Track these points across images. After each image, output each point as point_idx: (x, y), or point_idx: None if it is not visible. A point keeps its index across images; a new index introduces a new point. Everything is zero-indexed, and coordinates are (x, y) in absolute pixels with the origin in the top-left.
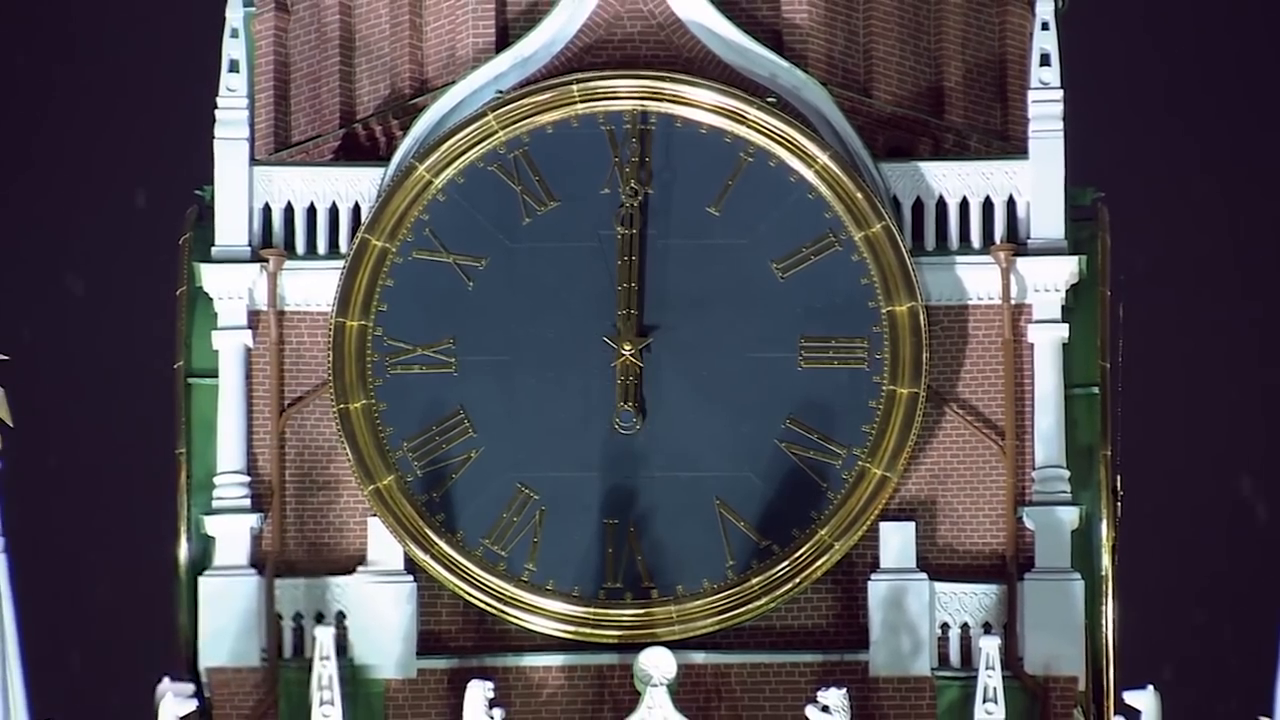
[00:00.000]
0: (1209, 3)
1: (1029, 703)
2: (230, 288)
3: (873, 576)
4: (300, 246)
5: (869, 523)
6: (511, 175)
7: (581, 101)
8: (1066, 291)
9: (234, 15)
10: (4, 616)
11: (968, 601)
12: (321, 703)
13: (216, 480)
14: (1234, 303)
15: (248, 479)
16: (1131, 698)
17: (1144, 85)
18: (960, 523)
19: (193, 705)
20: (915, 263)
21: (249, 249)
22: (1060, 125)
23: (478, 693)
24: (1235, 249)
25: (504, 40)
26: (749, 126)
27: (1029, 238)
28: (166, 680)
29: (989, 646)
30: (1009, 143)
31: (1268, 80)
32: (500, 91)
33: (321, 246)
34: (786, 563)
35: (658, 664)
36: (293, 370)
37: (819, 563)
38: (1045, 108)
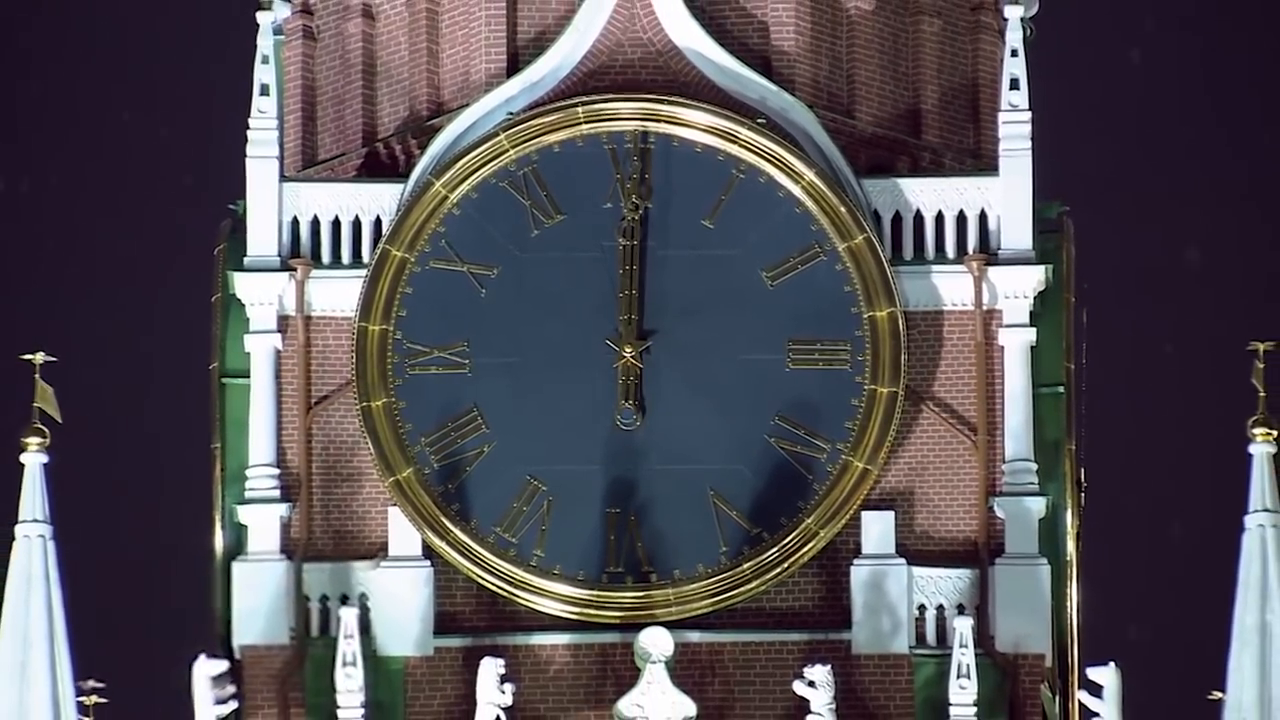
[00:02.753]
0: (1162, 31)
1: (1000, 678)
2: (261, 294)
3: (855, 561)
4: (326, 256)
5: (851, 512)
6: (521, 190)
7: (586, 122)
8: (1034, 298)
9: (265, 43)
10: (52, 598)
11: (943, 585)
12: (346, 678)
13: (248, 473)
14: (1188, 306)
15: (277, 471)
16: (1094, 673)
17: (1105, 107)
18: (936, 512)
19: (228, 687)
20: (894, 271)
21: (278, 259)
22: (1028, 144)
23: (490, 669)
24: (1190, 258)
25: (514, 66)
26: (741, 146)
27: (999, 248)
28: (203, 657)
29: (962, 626)
30: (981, 160)
31: (1216, 98)
32: (511, 113)
33: (345, 257)
34: (775, 549)
35: (656, 642)
36: (319, 371)
37: (805, 549)
38: (1014, 128)
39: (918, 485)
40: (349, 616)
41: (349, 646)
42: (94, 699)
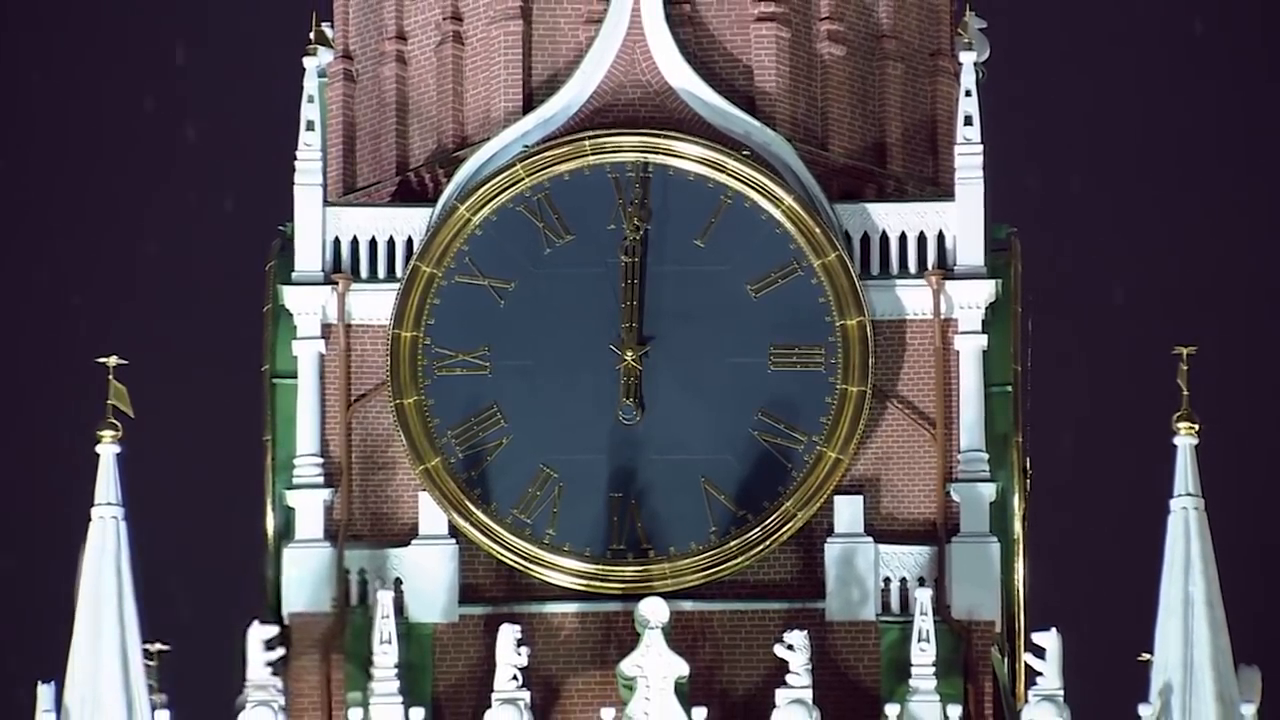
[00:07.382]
0: (1109, 67)
1: (955, 642)
2: (307, 305)
3: (828, 540)
4: (364, 272)
5: (825, 496)
6: (535, 214)
7: (592, 154)
8: (986, 309)
9: (310, 84)
10: (122, 571)
11: (906, 560)
12: (381, 642)
13: (296, 462)
14: (1120, 315)
15: (321, 461)
16: (1038, 638)
17: (1051, 140)
18: (899, 496)
19: (278, 652)
20: (863, 285)
21: (322, 274)
22: (980, 173)
23: (508, 634)
24: (1126, 270)
25: (529, 104)
26: (728, 175)
27: (955, 265)
28: (256, 623)
29: (923, 597)
30: (939, 188)
31: (1154, 125)
32: (526, 146)
33: (381, 272)
34: (758, 529)
35: (654, 611)
36: (357, 372)
37: (785, 529)
38: (968, 159)
39: (884, 473)
40: (384, 596)
41: (383, 612)
42: (157, 659)
